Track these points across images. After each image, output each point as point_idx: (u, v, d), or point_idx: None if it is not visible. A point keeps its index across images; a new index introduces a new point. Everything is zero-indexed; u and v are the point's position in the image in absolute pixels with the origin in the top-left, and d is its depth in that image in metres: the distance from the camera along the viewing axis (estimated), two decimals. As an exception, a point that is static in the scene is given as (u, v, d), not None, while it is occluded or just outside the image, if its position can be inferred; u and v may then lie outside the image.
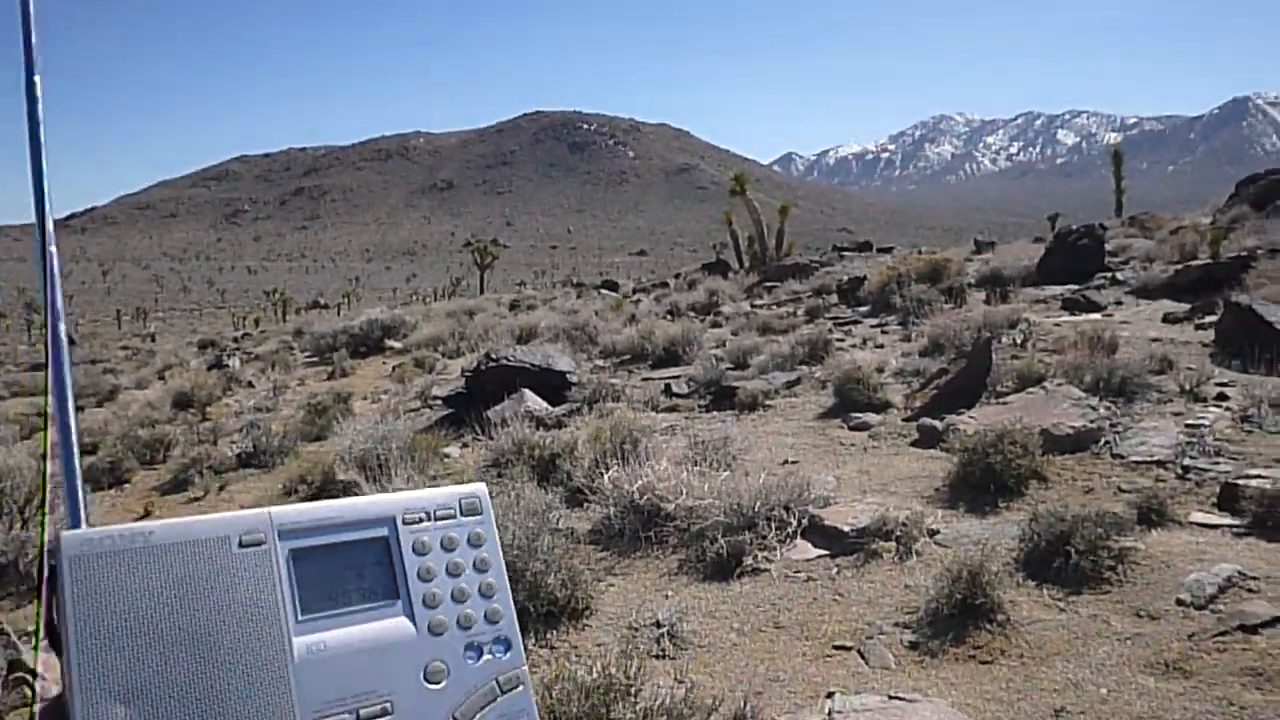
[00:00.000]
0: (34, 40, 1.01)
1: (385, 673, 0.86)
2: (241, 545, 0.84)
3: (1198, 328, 10.73)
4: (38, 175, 0.99)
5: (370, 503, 0.94)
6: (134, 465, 10.77)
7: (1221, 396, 7.74)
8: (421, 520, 0.94)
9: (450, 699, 0.88)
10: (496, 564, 0.96)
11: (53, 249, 1.00)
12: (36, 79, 0.99)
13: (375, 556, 0.91)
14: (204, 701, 0.77)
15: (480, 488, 0.99)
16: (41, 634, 0.80)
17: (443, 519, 0.95)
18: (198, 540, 0.82)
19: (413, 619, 0.90)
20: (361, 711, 0.84)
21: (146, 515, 9.03)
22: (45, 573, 0.81)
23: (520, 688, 0.93)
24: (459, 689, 0.89)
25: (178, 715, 0.76)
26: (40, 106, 0.99)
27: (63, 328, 0.99)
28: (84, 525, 0.89)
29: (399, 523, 0.93)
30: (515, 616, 0.95)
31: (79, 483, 0.93)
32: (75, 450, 0.96)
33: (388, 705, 0.85)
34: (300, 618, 0.85)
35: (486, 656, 0.91)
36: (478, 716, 0.89)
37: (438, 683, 0.88)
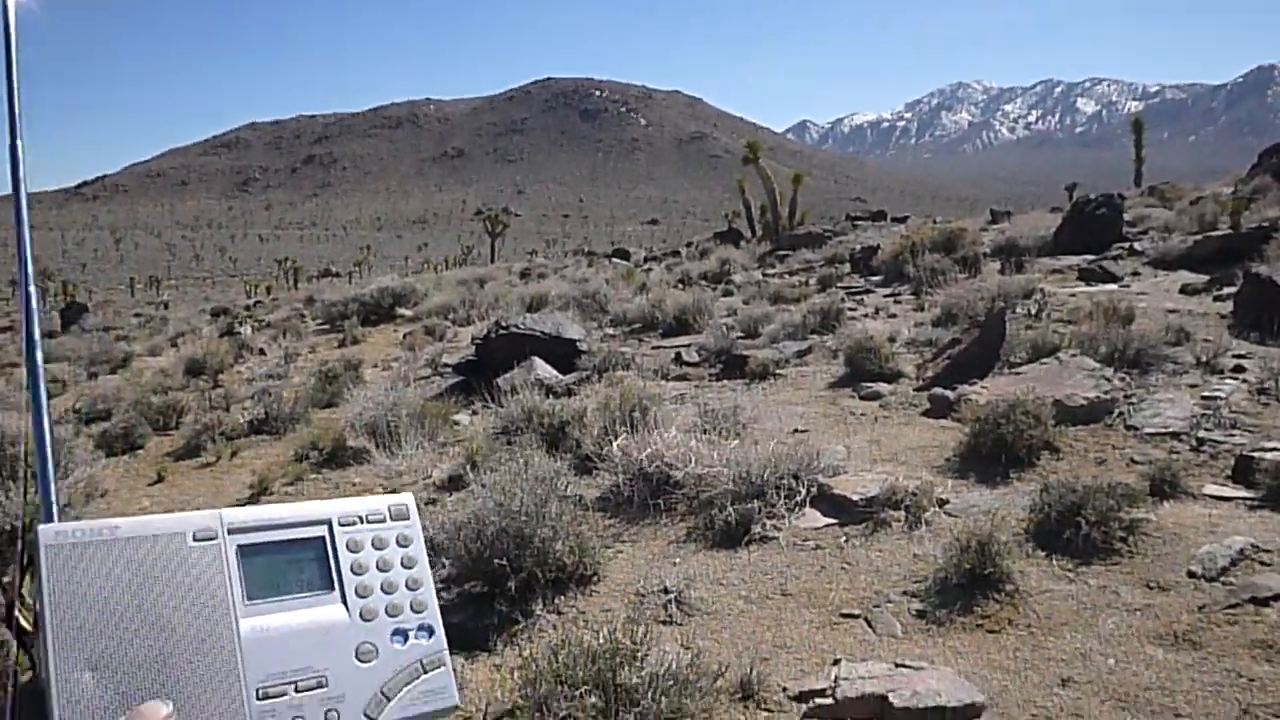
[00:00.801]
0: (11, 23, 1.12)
1: (321, 652, 0.97)
2: (195, 539, 0.95)
3: (1216, 299, 10.63)
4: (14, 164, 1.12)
5: (309, 507, 1.06)
6: (147, 431, 10.83)
7: (1238, 369, 7.67)
8: (355, 523, 1.06)
9: (379, 675, 0.99)
10: (422, 562, 1.08)
11: (28, 248, 1.14)
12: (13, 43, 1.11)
13: (314, 552, 1.03)
14: (162, 672, 0.88)
15: (408, 496, 1.11)
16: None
17: (374, 522, 1.07)
18: (157, 534, 0.94)
19: (346, 607, 1.01)
20: (300, 683, 0.94)
21: (160, 481, 9.08)
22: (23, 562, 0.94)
23: (441, 668, 1.03)
24: (387, 668, 1.00)
25: (139, 682, 0.87)
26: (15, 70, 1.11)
27: (37, 333, 1.13)
28: (56, 519, 0.99)
29: (335, 524, 1.05)
30: (438, 607, 1.06)
31: (52, 478, 1.05)
32: (48, 448, 1.07)
33: (323, 679, 0.96)
34: (246, 603, 0.95)
35: (412, 641, 1.02)
36: (403, 690, 0.99)
37: (368, 661, 0.99)
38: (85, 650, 0.85)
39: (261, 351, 16.61)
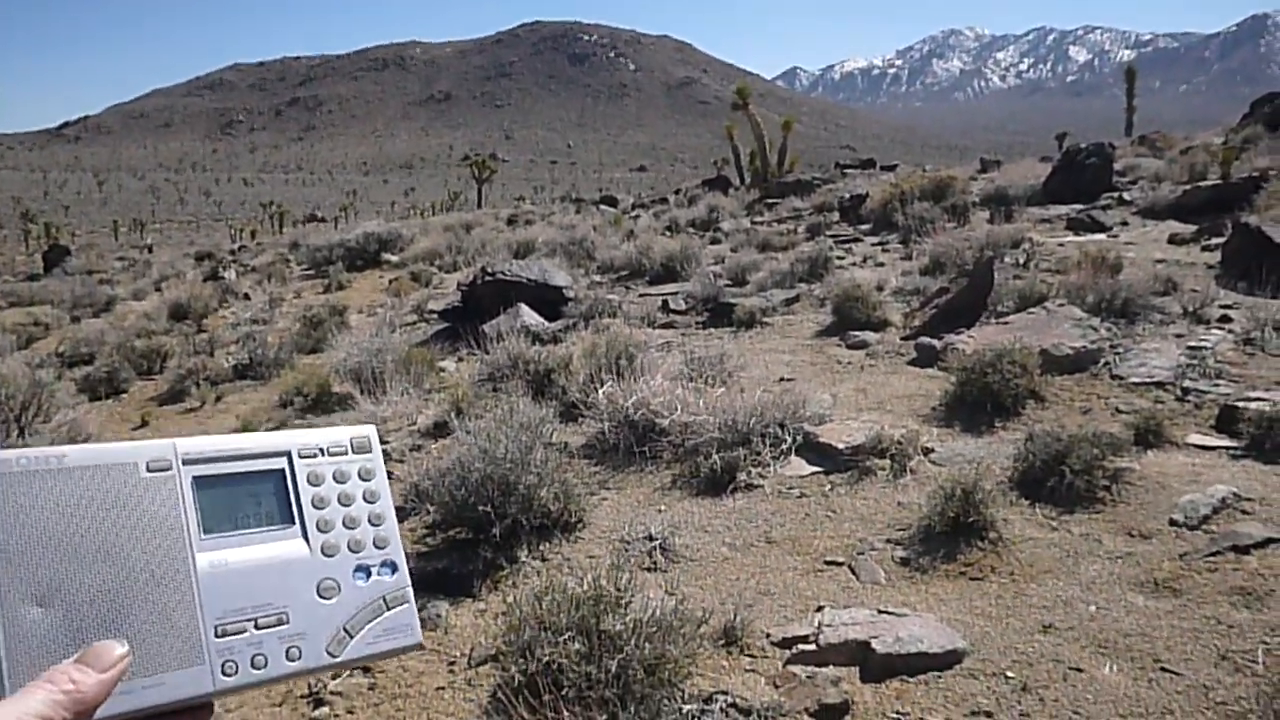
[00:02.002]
0: None
1: (282, 587, 0.94)
2: (149, 470, 0.90)
3: (1204, 249, 10.61)
4: None
5: (268, 438, 1.01)
6: (131, 376, 10.78)
7: (1225, 319, 7.67)
8: (316, 455, 1.01)
9: (341, 612, 0.96)
10: (384, 496, 1.04)
11: None
12: None
13: (273, 486, 0.99)
14: (115, 605, 0.84)
15: (369, 429, 1.06)
16: None
17: (335, 455, 1.02)
18: (108, 464, 0.88)
19: (307, 541, 0.98)
20: (260, 620, 0.91)
21: (144, 425, 9.05)
22: None
23: (405, 605, 1.00)
24: (349, 604, 0.97)
25: (91, 618, 0.83)
26: None
27: None
28: None
29: (295, 456, 1.01)
30: (401, 542, 1.02)
31: None
32: None
33: (284, 615, 0.93)
34: (203, 536, 0.91)
35: (375, 577, 1.00)
36: (366, 628, 0.97)
37: (329, 598, 0.96)
38: (32, 583, 0.81)
39: (246, 296, 16.49)
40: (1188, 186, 13.91)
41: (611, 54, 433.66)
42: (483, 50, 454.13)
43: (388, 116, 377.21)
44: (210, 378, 10.07)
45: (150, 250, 46.03)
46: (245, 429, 8.04)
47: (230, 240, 49.67)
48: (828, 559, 4.43)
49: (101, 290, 20.12)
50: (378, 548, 1.01)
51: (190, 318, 14.33)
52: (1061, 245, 11.46)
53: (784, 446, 5.58)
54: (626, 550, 4.63)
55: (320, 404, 8.49)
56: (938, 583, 4.15)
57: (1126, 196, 14.62)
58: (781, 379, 7.35)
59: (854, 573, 4.30)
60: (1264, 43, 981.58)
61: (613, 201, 30.84)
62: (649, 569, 4.45)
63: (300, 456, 1.01)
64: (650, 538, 4.68)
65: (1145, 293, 8.13)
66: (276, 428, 8.09)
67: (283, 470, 1.00)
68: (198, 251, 30.55)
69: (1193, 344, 7.03)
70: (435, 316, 11.59)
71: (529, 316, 9.96)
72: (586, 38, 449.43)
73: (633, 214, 23.86)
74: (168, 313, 14.61)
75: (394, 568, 1.01)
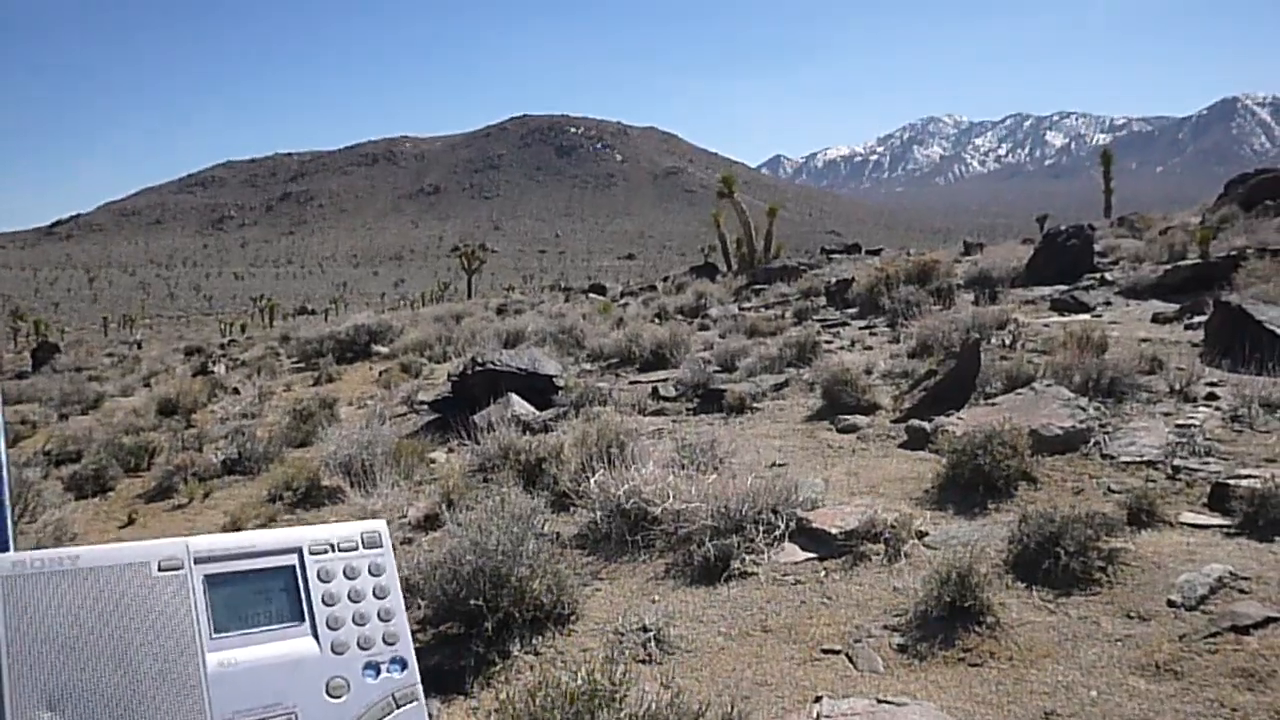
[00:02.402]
0: None
1: (291, 686, 0.93)
2: (160, 569, 0.91)
3: (1187, 327, 10.73)
4: None
5: (280, 534, 1.02)
6: (118, 473, 10.69)
7: (1211, 396, 7.73)
8: (327, 551, 1.03)
9: (350, 711, 0.96)
10: (395, 591, 1.05)
11: None
12: None
13: (283, 582, 1.00)
14: (125, 708, 0.84)
15: (380, 524, 1.07)
16: None
17: (346, 550, 1.03)
18: (120, 564, 0.89)
19: (317, 639, 0.98)
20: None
21: (131, 523, 8.95)
22: None
23: (414, 703, 1.00)
24: (358, 703, 0.97)
25: (101, 718, 0.82)
26: None
27: None
28: (12, 548, 0.96)
29: (306, 552, 1.02)
30: (411, 639, 1.02)
31: (8, 509, 1.05)
32: (6, 478, 1.08)
33: (293, 716, 0.93)
34: (214, 636, 0.92)
35: (384, 674, 1.00)
36: None
37: (339, 697, 0.96)
38: (44, 686, 0.81)
39: (236, 390, 16.45)
40: (1168, 266, 14.13)
41: (599, 145, 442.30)
42: (471, 143, 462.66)
43: (378, 209, 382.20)
44: (198, 473, 9.99)
45: (139, 346, 46.12)
46: (234, 525, 7.96)
47: (220, 334, 49.82)
48: (825, 647, 4.37)
49: (90, 387, 20.06)
50: (387, 644, 1.01)
51: (179, 413, 14.28)
52: (1046, 326, 11.58)
53: (777, 533, 5.54)
54: (621, 642, 4.57)
55: (310, 498, 8.43)
56: (936, 669, 4.09)
57: (1108, 277, 14.83)
58: (773, 464, 7.34)
59: (851, 661, 4.24)
60: (1235, 124, 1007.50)
61: (601, 289, 31.12)
62: (644, 661, 4.38)
63: (311, 553, 1.02)
64: (644, 629, 4.62)
65: (1131, 371, 8.20)
66: (265, 524, 8.02)
67: (293, 567, 1.00)
68: (187, 346, 30.63)
69: (1181, 422, 7.06)
70: (425, 407, 11.58)
71: (519, 406, 9.97)
72: (574, 130, 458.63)
73: (621, 301, 24.06)
74: (156, 408, 14.55)
75: (404, 664, 1.01)
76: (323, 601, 1.00)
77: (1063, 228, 17.03)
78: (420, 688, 1.01)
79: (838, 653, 4.32)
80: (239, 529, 7.90)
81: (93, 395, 18.77)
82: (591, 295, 28.41)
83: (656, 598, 5.10)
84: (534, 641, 4.68)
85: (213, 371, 19.31)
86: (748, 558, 5.34)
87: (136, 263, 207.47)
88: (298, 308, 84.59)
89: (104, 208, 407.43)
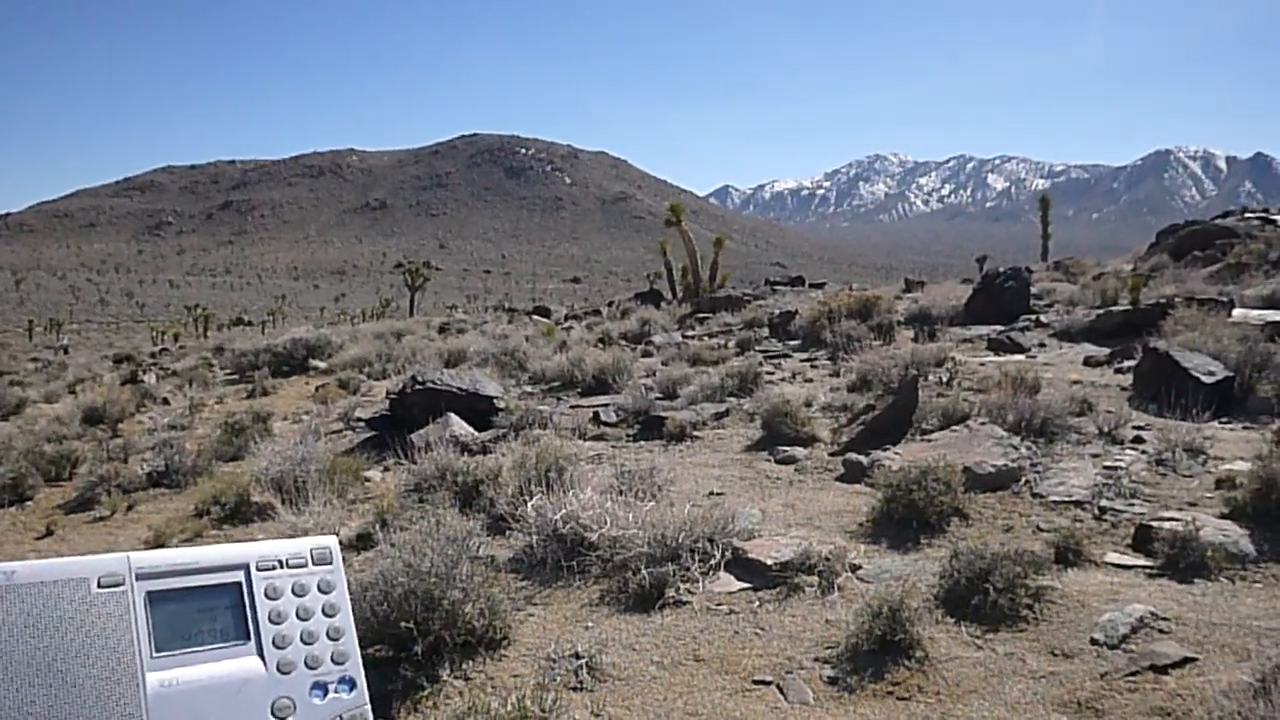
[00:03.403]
0: None
1: (235, 707, 0.90)
2: (100, 586, 0.88)
3: (1117, 371, 11.02)
4: None
5: (226, 550, 1.00)
6: (38, 482, 10.36)
7: (1138, 439, 7.93)
8: (275, 568, 0.99)
9: None
10: (344, 609, 1.01)
11: None
12: None
13: (229, 600, 0.96)
14: None
15: (331, 540, 1.05)
16: None
17: (295, 567, 1.00)
18: (58, 580, 0.86)
19: (263, 658, 0.95)
20: None
21: (49, 534, 8.67)
22: None
23: None
24: None
25: None
26: None
27: None
28: None
29: (253, 569, 0.98)
30: (360, 658, 0.99)
31: None
32: None
33: None
34: (155, 655, 0.88)
35: (332, 694, 0.97)
36: None
37: (284, 718, 0.93)
38: None
39: (165, 401, 16.08)
40: (1101, 311, 14.52)
41: (548, 168, 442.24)
42: (420, 160, 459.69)
43: (321, 223, 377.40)
44: (123, 485, 9.72)
45: (66, 351, 44.87)
46: (157, 540, 7.75)
47: (152, 343, 48.66)
48: (756, 678, 4.37)
49: (11, 392, 19.42)
50: (336, 663, 0.98)
51: (105, 422, 13.89)
52: (983, 365, 11.82)
53: (713, 562, 5.55)
54: (552, 669, 4.52)
55: (239, 514, 8.24)
56: (865, 703, 4.12)
57: (1043, 319, 15.19)
58: (711, 493, 7.36)
59: (782, 692, 4.25)
60: (1168, 176, 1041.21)
61: (546, 312, 31.06)
62: (575, 688, 4.34)
63: (259, 569, 0.98)
64: (577, 656, 4.58)
65: (1063, 413, 8.39)
66: (190, 539, 7.82)
67: (240, 584, 0.97)
68: (117, 354, 29.88)
69: (1109, 464, 7.23)
70: (362, 425, 11.42)
71: (459, 427, 9.88)
72: (524, 151, 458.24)
73: (565, 325, 24.04)
74: (81, 417, 14.13)
75: (352, 685, 0.98)
76: (269, 619, 0.96)
77: (1001, 269, 17.44)
78: (369, 709, 0.99)
79: (769, 684, 4.32)
80: (161, 545, 7.69)
81: (14, 401, 18.16)
82: (536, 318, 28.34)
83: (590, 624, 5.07)
84: (464, 666, 4.61)
85: (142, 381, 18.85)
86: (683, 586, 5.34)
87: (67, 266, 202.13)
88: (234, 319, 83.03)
89: (35, 208, 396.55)
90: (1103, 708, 3.88)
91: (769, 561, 5.52)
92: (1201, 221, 24.01)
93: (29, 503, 9.93)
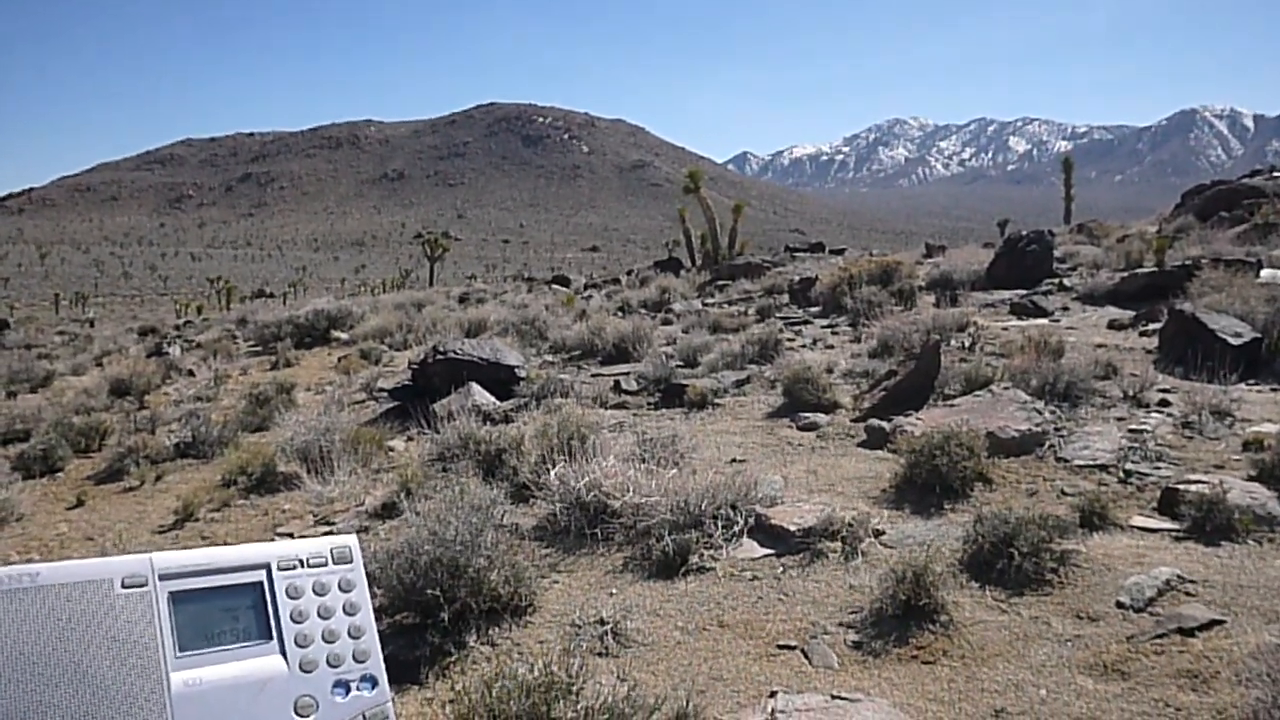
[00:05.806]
0: None
1: (258, 707, 0.91)
2: (124, 586, 0.89)
3: (1142, 334, 10.92)
4: None
5: (248, 550, 1.00)
6: (68, 453, 10.49)
7: (1164, 403, 7.87)
8: (295, 567, 1.00)
9: None
10: (365, 607, 1.03)
11: None
12: None
13: (251, 599, 0.98)
14: None
15: (351, 539, 1.05)
16: None
17: (315, 566, 1.01)
18: (82, 581, 0.87)
19: (285, 657, 0.96)
20: None
21: (79, 505, 8.79)
22: None
23: None
24: None
25: None
26: None
27: None
28: None
29: (274, 568, 1.00)
30: (381, 655, 1.01)
31: None
32: None
33: None
34: (178, 654, 0.90)
35: (354, 692, 0.98)
36: None
37: (307, 716, 0.94)
38: (2, 707, 0.79)
39: (190, 373, 16.21)
40: (1125, 273, 14.36)
41: (565, 136, 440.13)
42: (437, 130, 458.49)
43: (340, 194, 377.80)
44: (150, 456, 9.83)
45: (92, 324, 45.27)
46: (186, 509, 7.85)
47: (176, 315, 49.03)
48: (780, 643, 4.40)
49: (40, 365, 19.62)
50: (357, 662, 0.99)
51: (132, 394, 14.04)
52: (1005, 329, 11.73)
53: (736, 529, 5.57)
54: (577, 635, 4.56)
55: (265, 484, 8.33)
56: (890, 667, 4.13)
57: (1067, 282, 15.04)
58: (733, 460, 7.36)
59: (807, 657, 4.27)
60: (1193, 136, 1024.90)
61: (565, 281, 31.01)
62: (600, 654, 4.38)
63: (279, 569, 1.00)
64: (602, 622, 4.62)
65: (1087, 377, 8.32)
66: (218, 509, 7.91)
67: (261, 583, 0.98)
68: (141, 326, 30.10)
69: (1134, 427, 7.19)
70: (385, 395, 11.48)
71: (480, 396, 9.92)
72: (541, 120, 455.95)
73: (585, 294, 24.01)
74: (108, 389, 14.29)
75: (374, 683, 0.99)
76: (291, 619, 0.98)
77: (1023, 233, 17.24)
78: (391, 706, 1.00)
79: (793, 649, 4.35)
80: (191, 514, 7.79)
81: (42, 373, 18.37)
82: (555, 287, 28.32)
83: (614, 591, 5.11)
84: (490, 633, 4.66)
85: (167, 353, 19.00)
86: (706, 553, 5.36)
87: (91, 240, 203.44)
88: (256, 291, 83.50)
89: (58, 183, 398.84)
90: (1129, 670, 3.88)
91: (792, 528, 5.53)
92: (1228, 181, 23.63)
93: (59, 474, 10.06)
